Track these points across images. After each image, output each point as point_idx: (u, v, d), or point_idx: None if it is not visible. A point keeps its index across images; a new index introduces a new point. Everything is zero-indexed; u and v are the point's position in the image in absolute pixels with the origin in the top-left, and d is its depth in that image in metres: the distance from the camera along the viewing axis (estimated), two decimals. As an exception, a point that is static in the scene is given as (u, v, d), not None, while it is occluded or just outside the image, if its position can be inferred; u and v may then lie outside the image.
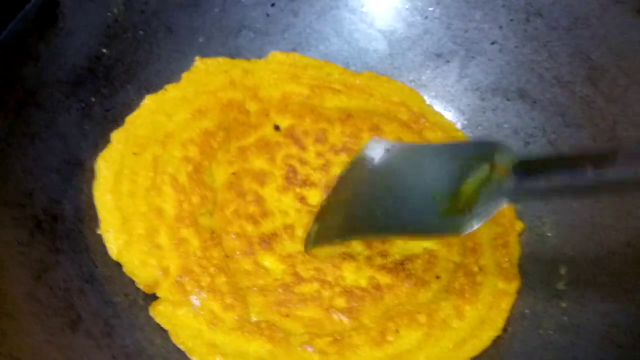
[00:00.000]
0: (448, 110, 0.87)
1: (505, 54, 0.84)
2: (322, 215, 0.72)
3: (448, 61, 0.87)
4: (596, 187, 0.49)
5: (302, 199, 0.77)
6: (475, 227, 0.56)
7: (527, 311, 0.70)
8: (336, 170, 0.80)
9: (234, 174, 0.78)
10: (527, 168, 0.53)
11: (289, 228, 0.74)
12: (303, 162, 0.81)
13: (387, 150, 0.68)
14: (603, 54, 0.77)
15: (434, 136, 0.84)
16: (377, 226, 0.65)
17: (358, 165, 0.70)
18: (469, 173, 0.57)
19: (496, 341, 0.68)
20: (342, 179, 0.72)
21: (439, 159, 0.62)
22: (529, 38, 0.82)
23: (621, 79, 0.76)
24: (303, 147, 0.82)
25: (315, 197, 0.78)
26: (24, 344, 0.50)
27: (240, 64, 0.87)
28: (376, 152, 0.68)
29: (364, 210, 0.66)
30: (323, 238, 0.71)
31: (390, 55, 0.89)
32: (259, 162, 0.80)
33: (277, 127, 0.84)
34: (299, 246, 0.73)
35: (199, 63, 0.85)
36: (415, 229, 0.63)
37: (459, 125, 0.86)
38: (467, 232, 0.57)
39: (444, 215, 0.59)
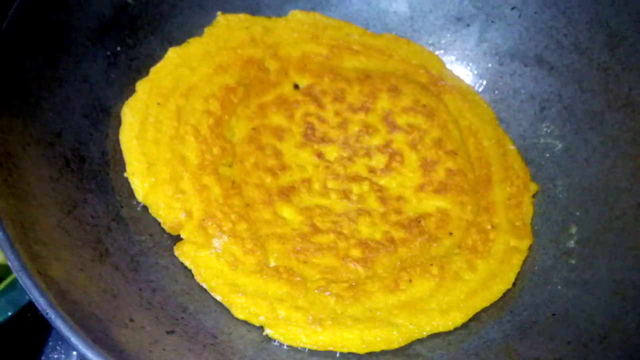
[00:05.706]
0: (466, 74, 0.88)
1: (525, 19, 0.85)
2: None
3: (468, 25, 0.87)
4: None
5: (319, 155, 0.79)
6: None
7: (536, 267, 0.72)
8: (353, 128, 0.82)
9: (253, 128, 0.79)
10: None
11: (307, 182, 0.76)
12: (321, 119, 0.82)
13: None
14: (622, 20, 0.77)
15: (452, 99, 0.85)
16: None
17: None
18: None
19: (506, 294, 0.70)
20: None
21: None
22: (548, 4, 0.83)
23: None
24: (321, 106, 0.83)
25: (333, 153, 0.79)
26: (58, 268, 0.52)
27: (260, 21, 0.88)
28: None
29: None
30: None
31: (411, 17, 0.89)
32: (277, 119, 0.81)
33: (296, 86, 0.85)
34: (316, 200, 0.75)
35: (220, 18, 0.86)
36: None
37: (477, 89, 0.87)
38: None
39: None
